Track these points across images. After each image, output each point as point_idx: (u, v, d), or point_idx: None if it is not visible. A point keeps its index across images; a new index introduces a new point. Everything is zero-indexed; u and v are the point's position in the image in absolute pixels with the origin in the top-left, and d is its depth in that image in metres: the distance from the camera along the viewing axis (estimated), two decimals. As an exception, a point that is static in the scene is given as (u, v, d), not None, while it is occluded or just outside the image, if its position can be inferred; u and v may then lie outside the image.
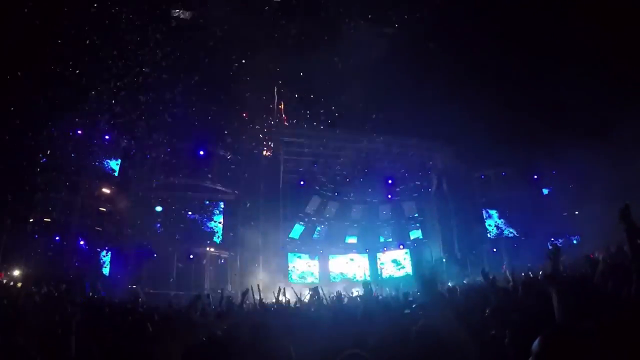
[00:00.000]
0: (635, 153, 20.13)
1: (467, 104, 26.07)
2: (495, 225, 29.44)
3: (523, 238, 27.11)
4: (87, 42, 19.62)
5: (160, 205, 26.28)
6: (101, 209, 22.96)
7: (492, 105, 25.76)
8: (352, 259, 32.50)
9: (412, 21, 28.54)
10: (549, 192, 28.15)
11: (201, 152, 28.14)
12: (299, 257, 31.45)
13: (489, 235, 29.19)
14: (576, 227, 25.60)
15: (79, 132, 21.93)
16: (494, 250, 27.67)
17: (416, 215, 32.95)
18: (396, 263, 32.13)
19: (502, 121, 26.81)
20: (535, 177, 27.98)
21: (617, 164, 21.05)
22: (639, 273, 3.56)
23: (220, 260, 27.92)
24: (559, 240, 25.24)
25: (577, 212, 25.71)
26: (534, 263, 23.79)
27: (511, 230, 28.79)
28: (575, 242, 25.81)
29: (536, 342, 2.33)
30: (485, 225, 29.42)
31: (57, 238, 20.56)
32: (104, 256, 22.67)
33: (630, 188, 19.05)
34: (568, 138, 23.14)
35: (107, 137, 23.45)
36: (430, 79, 28.76)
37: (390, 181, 32.36)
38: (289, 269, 30.23)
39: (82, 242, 21.55)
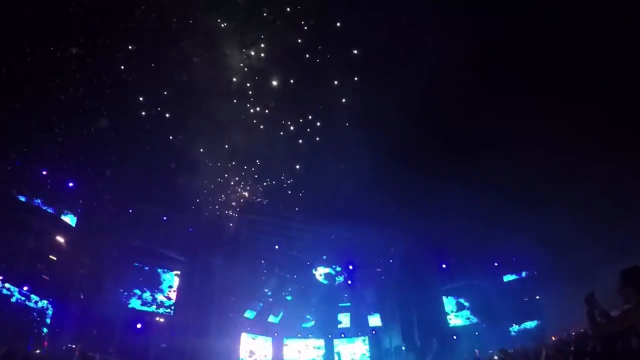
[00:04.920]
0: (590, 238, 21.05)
1: (428, 195, 27.07)
2: (456, 313, 29.22)
3: (484, 325, 26.92)
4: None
5: (114, 266, 24.95)
6: (52, 257, 21.55)
7: (452, 195, 26.77)
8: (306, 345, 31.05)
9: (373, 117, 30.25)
10: (509, 279, 28.53)
11: (164, 218, 27.55)
12: (253, 337, 29.73)
13: (449, 322, 28.80)
14: (537, 312, 25.80)
15: (43, 172, 21.27)
16: (454, 337, 27.14)
17: (376, 302, 32.39)
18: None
19: (462, 211, 27.78)
20: (496, 264, 28.49)
21: (576, 249, 21.86)
22: (593, 354, 4.12)
23: (170, 333, 26.04)
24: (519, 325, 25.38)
25: (537, 297, 26.02)
26: (495, 349, 23.53)
27: (472, 317, 28.57)
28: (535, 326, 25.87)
29: None
30: (445, 312, 29.15)
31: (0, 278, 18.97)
32: (47, 307, 20.86)
33: (589, 272, 19.68)
34: (527, 225, 24.10)
35: (70, 184, 22.71)
36: (390, 170, 30.07)
37: (350, 267, 32.16)
38: (240, 349, 28.47)
39: (25, 288, 19.89)
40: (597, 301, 4.41)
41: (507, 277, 28.53)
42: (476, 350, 22.87)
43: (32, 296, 20.27)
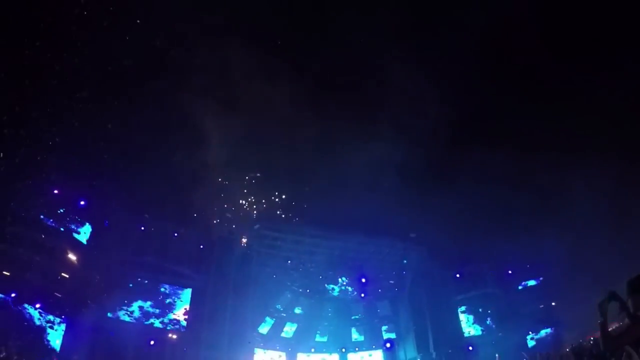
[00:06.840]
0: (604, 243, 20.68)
1: (441, 205, 26.78)
2: (471, 323, 28.75)
3: (500, 334, 26.45)
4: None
5: (126, 283, 24.98)
6: (64, 275, 21.65)
7: (464, 205, 26.53)
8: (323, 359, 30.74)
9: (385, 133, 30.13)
10: (523, 286, 28.02)
11: (175, 234, 27.59)
12: (265, 352, 29.50)
13: (464, 332, 28.33)
14: (553, 319, 25.33)
15: (55, 191, 21.44)
16: (470, 348, 26.65)
17: (389, 314, 32.03)
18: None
19: (474, 221, 27.46)
20: (510, 272, 28.04)
21: (592, 252, 21.49)
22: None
23: (183, 349, 25.89)
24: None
25: (553, 304, 25.58)
26: (512, 358, 23.09)
27: (488, 326, 28.08)
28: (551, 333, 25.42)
29: None
30: (460, 322, 28.69)
31: (13, 295, 19.06)
32: (58, 324, 20.89)
33: (606, 275, 19.31)
34: (542, 231, 23.70)
35: (82, 202, 22.89)
36: (404, 180, 29.83)
37: (363, 280, 31.78)
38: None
39: (38, 305, 19.98)
40: (618, 296, 4.25)
41: (522, 285, 28.08)
42: (497, 355, 22.42)
43: (45, 313, 20.33)
